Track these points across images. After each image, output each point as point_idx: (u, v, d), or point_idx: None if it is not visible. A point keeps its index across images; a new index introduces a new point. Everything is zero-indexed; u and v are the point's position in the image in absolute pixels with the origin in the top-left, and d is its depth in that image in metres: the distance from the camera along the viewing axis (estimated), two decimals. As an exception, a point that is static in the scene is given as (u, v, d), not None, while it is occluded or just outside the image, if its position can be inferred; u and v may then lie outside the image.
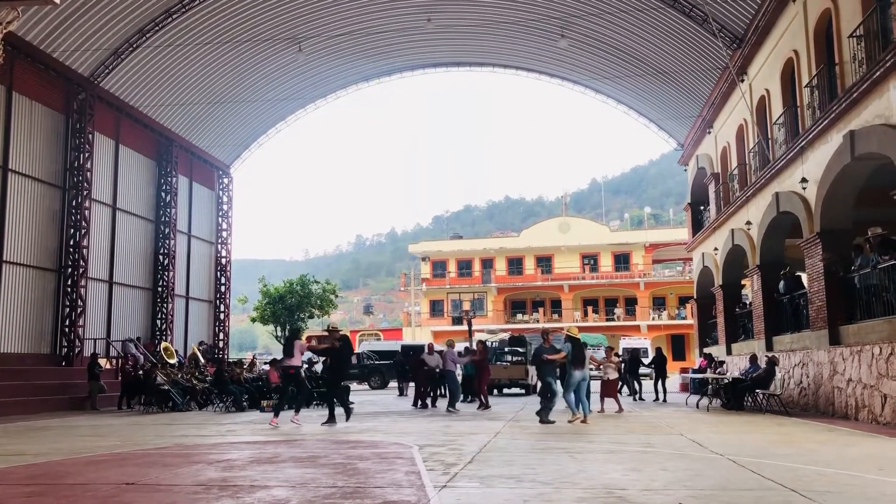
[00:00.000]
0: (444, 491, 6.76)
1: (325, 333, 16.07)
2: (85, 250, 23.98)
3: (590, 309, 59.11)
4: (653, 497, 6.44)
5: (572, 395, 14.66)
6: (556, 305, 59.76)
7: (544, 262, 60.93)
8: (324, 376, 22.35)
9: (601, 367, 18.79)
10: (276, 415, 14.62)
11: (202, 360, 26.13)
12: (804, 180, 16.93)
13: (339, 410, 15.17)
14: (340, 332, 15.97)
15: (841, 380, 15.14)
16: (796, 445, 10.34)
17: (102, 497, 6.68)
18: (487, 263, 61.84)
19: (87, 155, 24.23)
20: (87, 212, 24.15)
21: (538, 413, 14.49)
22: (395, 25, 27.84)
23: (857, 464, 8.36)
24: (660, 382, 23.06)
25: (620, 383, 22.51)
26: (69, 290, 23.63)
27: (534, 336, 36.99)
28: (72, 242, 23.79)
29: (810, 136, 16.49)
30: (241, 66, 28.37)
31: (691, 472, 7.91)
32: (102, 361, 24.91)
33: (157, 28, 24.09)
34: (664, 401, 21.85)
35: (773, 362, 17.45)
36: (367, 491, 6.82)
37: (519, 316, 59.89)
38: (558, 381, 15.74)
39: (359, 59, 30.51)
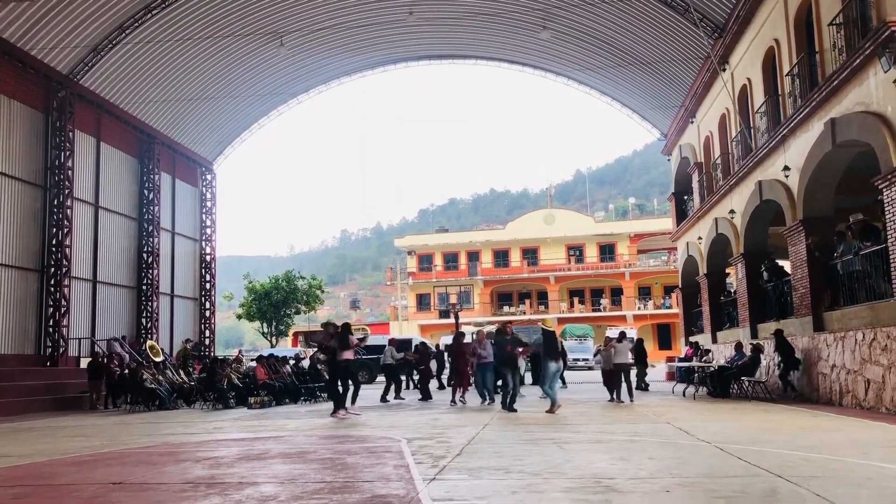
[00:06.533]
0: (433, 484, 6.76)
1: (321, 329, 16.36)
2: (68, 249, 23.79)
3: (576, 300, 59.30)
4: (640, 485, 6.48)
5: (556, 385, 14.91)
6: (543, 297, 59.91)
7: (530, 254, 61.03)
8: (311, 372, 22.49)
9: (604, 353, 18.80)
10: (340, 406, 15.00)
11: (191, 357, 26.02)
12: (786, 168, 17.04)
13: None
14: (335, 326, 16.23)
15: (825, 366, 15.28)
16: (782, 432, 10.42)
17: (88, 497, 6.64)
18: (473, 256, 61.90)
19: (67, 153, 24.01)
20: (69, 211, 23.95)
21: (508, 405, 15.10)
22: (376, 19, 27.74)
23: (841, 449, 8.44)
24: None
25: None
26: (52, 289, 23.44)
27: (520, 328, 37.05)
28: (54, 242, 23.59)
29: (792, 124, 16.59)
30: (223, 62, 28.18)
31: (678, 461, 7.96)
32: (86, 361, 24.74)
33: (136, 24, 23.87)
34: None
35: (758, 350, 17.57)
36: (355, 485, 6.82)
37: (506, 308, 60.00)
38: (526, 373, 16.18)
39: (341, 53, 30.39)
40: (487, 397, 17.68)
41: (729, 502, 5.74)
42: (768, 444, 8.91)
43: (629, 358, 18.08)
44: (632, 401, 16.99)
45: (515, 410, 14.76)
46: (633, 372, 22.44)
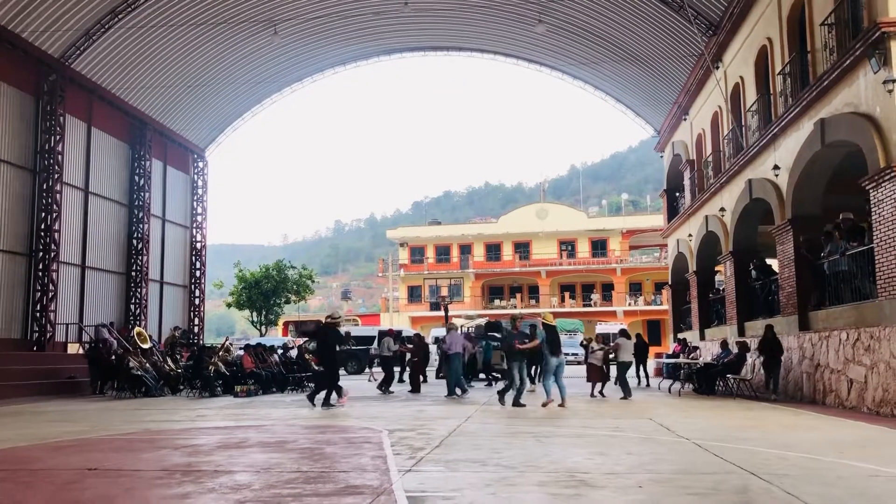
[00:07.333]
0: (408, 475, 6.77)
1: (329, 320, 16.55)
2: (57, 234, 23.68)
3: (567, 295, 59.36)
4: (614, 480, 6.50)
5: (550, 380, 14.86)
6: (534, 291, 59.98)
7: (522, 248, 61.09)
8: (299, 362, 22.53)
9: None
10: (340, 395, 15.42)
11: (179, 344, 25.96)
12: (776, 167, 17.07)
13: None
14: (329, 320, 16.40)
15: (809, 365, 15.34)
16: (762, 429, 10.47)
17: (63, 482, 6.63)
18: (465, 249, 61.90)
19: (58, 138, 23.87)
20: (58, 195, 23.82)
21: (506, 399, 14.95)
22: (371, 9, 27.61)
23: (818, 448, 8.47)
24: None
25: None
26: (41, 274, 23.35)
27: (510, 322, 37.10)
28: (43, 226, 23.46)
29: (782, 123, 16.62)
30: (216, 49, 28.04)
31: (655, 456, 7.98)
32: (74, 346, 24.71)
33: (129, 9, 23.72)
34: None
35: (744, 348, 17.62)
36: (330, 475, 6.82)
37: (496, 301, 60.05)
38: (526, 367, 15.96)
39: (335, 42, 30.27)
40: (459, 390, 17.84)
41: (700, 499, 5.76)
42: (747, 442, 8.94)
43: (631, 355, 18.16)
44: (629, 398, 16.94)
45: (524, 405, 14.40)
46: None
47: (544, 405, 14.32)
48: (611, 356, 18.90)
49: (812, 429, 10.68)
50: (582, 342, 24.70)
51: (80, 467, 7.48)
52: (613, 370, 18.90)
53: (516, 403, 14.52)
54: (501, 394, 15.22)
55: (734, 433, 9.94)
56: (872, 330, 12.55)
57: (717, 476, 6.69)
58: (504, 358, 25.92)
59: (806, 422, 11.66)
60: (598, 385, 18.02)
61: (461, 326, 33.35)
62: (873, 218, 12.70)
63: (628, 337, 18.65)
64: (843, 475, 6.70)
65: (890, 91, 12.04)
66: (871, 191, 12.77)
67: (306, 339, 28.41)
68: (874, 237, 12.69)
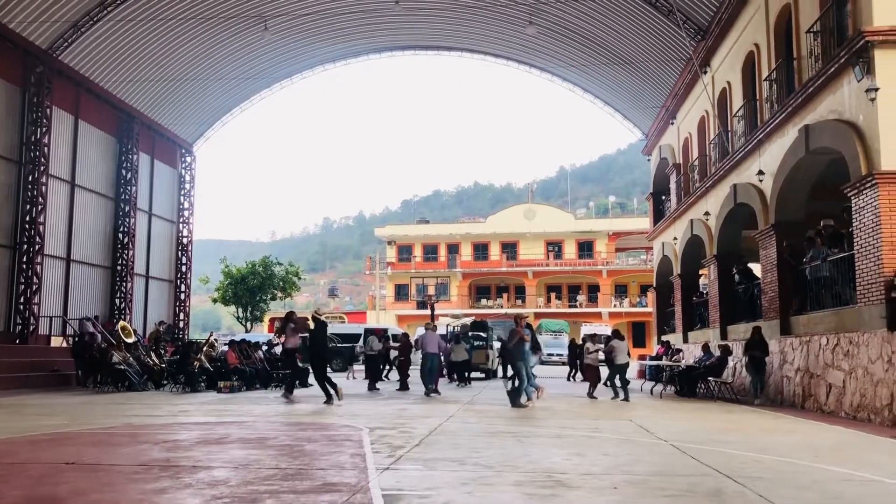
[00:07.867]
0: (386, 473, 6.80)
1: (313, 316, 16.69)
2: (42, 227, 23.55)
3: (553, 295, 59.55)
4: (589, 481, 6.55)
5: (524, 378, 15.03)
6: (521, 291, 60.10)
7: (509, 249, 61.20)
8: (283, 358, 22.49)
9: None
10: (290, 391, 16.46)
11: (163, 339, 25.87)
12: (761, 173, 17.17)
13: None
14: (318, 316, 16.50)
15: (790, 369, 15.47)
16: (741, 432, 10.55)
17: (38, 476, 6.61)
18: (453, 248, 61.95)
19: (44, 129, 23.74)
20: (44, 188, 23.70)
21: (512, 399, 14.84)
22: (362, 6, 27.60)
23: (795, 451, 8.55)
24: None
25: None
26: (25, 266, 23.22)
27: (496, 322, 37.26)
28: (28, 218, 23.34)
29: (768, 129, 16.73)
30: (206, 44, 27.94)
31: (632, 458, 8.04)
32: (58, 340, 24.57)
33: (118, 1, 23.60)
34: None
35: (726, 351, 17.73)
36: (308, 472, 6.83)
37: (483, 301, 60.13)
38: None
39: (326, 39, 30.22)
40: (432, 386, 18.18)
41: (673, 501, 5.82)
42: (724, 445, 9.02)
43: (627, 356, 18.29)
44: (628, 400, 16.90)
45: (525, 406, 14.41)
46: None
47: (538, 397, 14.74)
48: (600, 358, 19.02)
49: (790, 432, 10.77)
50: (572, 341, 24.98)
51: (58, 461, 7.46)
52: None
53: (516, 404, 14.53)
54: (513, 394, 14.98)
55: (713, 436, 10.02)
56: (851, 335, 12.67)
57: (693, 478, 6.75)
58: (489, 358, 26.15)
59: (784, 425, 11.76)
60: (592, 387, 18.18)
61: (447, 326, 33.44)
62: (854, 225, 12.82)
63: (622, 338, 18.74)
64: (818, 479, 6.78)
65: (872, 99, 12.15)
66: (852, 198, 12.89)
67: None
68: (854, 244, 12.81)
